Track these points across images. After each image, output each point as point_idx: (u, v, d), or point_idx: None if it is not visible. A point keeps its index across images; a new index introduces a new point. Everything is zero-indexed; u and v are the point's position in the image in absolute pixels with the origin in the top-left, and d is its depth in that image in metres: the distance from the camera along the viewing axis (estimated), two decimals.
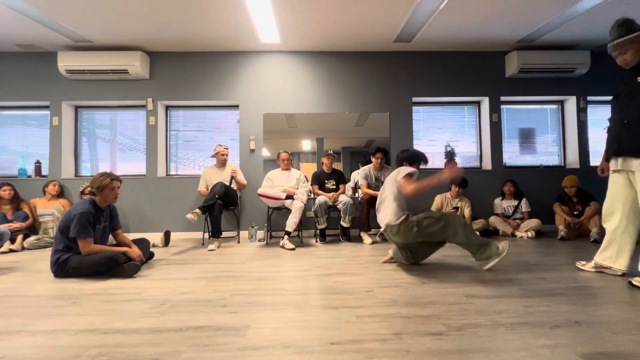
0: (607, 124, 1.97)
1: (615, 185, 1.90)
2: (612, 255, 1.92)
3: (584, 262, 2.14)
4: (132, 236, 3.65)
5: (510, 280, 1.92)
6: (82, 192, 3.46)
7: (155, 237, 3.44)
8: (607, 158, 1.94)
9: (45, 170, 4.01)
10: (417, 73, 4.14)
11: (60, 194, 3.75)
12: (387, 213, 2.16)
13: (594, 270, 2.03)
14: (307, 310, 1.49)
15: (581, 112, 4.16)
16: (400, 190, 2.13)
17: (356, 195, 3.83)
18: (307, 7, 3.08)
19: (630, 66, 1.78)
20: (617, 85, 1.88)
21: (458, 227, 2.02)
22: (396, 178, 2.17)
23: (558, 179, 3.97)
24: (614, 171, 1.90)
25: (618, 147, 1.81)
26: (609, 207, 1.93)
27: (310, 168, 4.09)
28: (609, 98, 1.92)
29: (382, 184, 3.45)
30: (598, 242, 3.03)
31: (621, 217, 1.86)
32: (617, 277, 1.93)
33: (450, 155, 4.22)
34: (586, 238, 3.37)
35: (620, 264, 1.89)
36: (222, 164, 3.66)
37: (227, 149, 3.67)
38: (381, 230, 2.23)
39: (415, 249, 2.26)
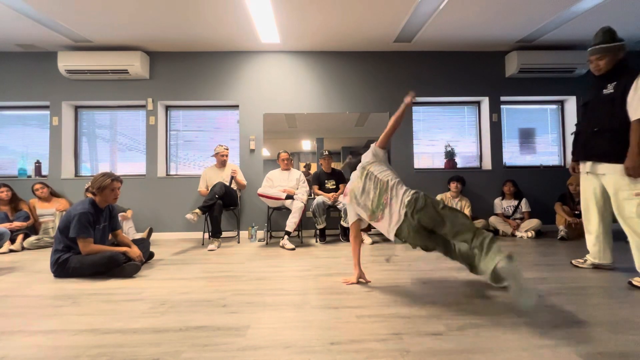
0: (574, 128, 2.19)
1: (585, 188, 2.12)
2: (600, 253, 2.11)
3: (582, 260, 2.22)
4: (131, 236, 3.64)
5: None
6: (87, 190, 3.44)
7: (155, 237, 3.43)
8: (576, 159, 2.18)
9: (45, 170, 4.01)
10: (417, 73, 4.14)
11: (54, 193, 3.69)
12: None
13: (591, 267, 2.16)
14: (307, 310, 1.49)
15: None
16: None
17: None
18: (307, 7, 3.08)
19: (600, 73, 1.93)
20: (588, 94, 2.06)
21: None
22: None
23: (558, 179, 3.97)
24: (585, 173, 2.09)
25: (588, 152, 1.99)
26: (584, 208, 2.15)
27: (310, 168, 4.09)
28: None
29: None
30: None
31: (597, 218, 2.07)
32: (616, 277, 1.94)
33: (450, 155, 4.23)
34: None
35: (607, 258, 2.09)
36: (222, 164, 3.66)
37: (227, 149, 3.67)
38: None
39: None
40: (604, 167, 1.91)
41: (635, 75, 1.76)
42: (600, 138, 1.90)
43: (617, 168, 1.84)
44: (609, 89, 1.86)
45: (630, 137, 1.74)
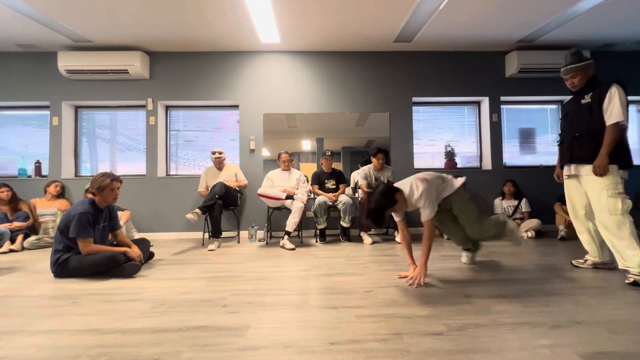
0: (558, 139, 2.33)
1: (570, 190, 2.23)
2: (598, 251, 2.17)
3: (582, 260, 2.25)
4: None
5: (510, 280, 1.92)
6: (87, 191, 3.46)
7: (155, 237, 3.44)
8: (561, 166, 2.30)
9: (45, 170, 4.01)
10: (417, 73, 4.14)
11: (61, 194, 3.74)
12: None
13: (592, 266, 2.20)
14: (307, 310, 1.49)
15: None
16: None
17: (356, 195, 3.83)
18: (307, 7, 3.08)
19: (576, 89, 2.13)
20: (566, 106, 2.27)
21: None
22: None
23: None
24: (568, 176, 2.23)
25: (571, 155, 2.14)
26: (572, 209, 2.24)
27: (310, 168, 4.09)
28: None
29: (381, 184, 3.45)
30: None
31: (586, 217, 2.18)
32: (616, 277, 1.94)
33: (450, 155, 4.22)
34: None
35: (606, 256, 2.16)
36: (219, 166, 3.65)
37: (221, 154, 3.60)
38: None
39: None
40: (586, 169, 2.05)
41: (608, 86, 1.96)
42: (582, 142, 2.07)
43: None
44: (587, 99, 2.06)
45: (604, 139, 1.94)
